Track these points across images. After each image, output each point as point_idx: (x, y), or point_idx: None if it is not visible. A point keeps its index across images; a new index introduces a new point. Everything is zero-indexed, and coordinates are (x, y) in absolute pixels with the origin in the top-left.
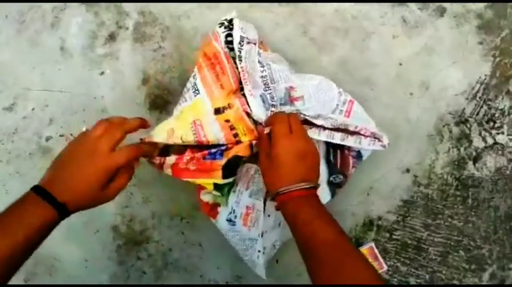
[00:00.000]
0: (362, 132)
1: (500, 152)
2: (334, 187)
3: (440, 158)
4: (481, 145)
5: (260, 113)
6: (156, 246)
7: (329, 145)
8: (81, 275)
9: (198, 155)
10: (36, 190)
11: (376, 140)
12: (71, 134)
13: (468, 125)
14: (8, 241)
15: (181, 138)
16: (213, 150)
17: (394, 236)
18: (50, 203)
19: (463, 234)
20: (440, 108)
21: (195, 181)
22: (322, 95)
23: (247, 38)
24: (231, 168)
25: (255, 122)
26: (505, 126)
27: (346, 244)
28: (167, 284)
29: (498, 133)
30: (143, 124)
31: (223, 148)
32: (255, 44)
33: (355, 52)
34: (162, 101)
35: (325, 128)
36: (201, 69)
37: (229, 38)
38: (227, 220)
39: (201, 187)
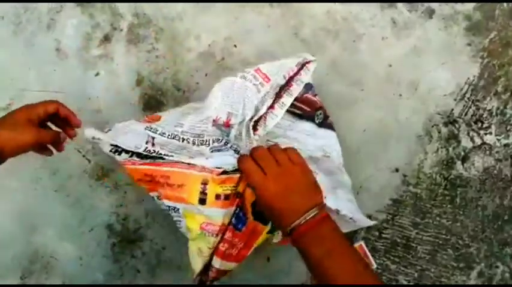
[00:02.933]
0: (292, 75)
1: (488, 152)
2: (327, 127)
3: (429, 158)
4: (469, 145)
5: (228, 164)
6: (150, 244)
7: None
8: (76, 273)
9: (228, 236)
10: None
11: (305, 65)
12: None
13: (457, 126)
14: None
15: (208, 248)
16: (233, 221)
17: (384, 235)
18: None
19: (452, 233)
20: (429, 109)
21: (255, 246)
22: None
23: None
24: (260, 213)
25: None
26: (493, 127)
27: (367, 277)
28: (166, 284)
29: (486, 133)
30: (73, 120)
31: (238, 213)
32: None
33: (346, 53)
34: (156, 102)
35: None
36: (157, 194)
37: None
38: None
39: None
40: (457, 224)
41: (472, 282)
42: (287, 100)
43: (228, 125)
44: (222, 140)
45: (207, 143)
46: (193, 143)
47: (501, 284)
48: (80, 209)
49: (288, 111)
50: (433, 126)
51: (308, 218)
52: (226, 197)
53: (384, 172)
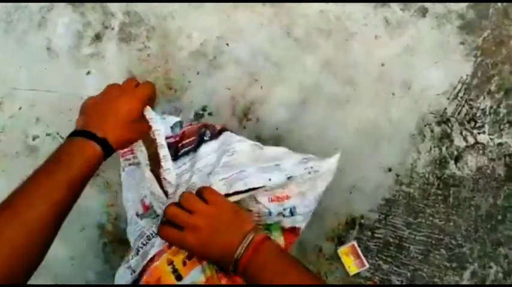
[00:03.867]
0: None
1: (481, 151)
2: (219, 134)
3: (422, 158)
4: (463, 144)
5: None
6: None
7: None
8: (68, 273)
9: (225, 281)
10: (73, 134)
11: None
12: (58, 133)
13: (450, 125)
14: (65, 181)
15: None
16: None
17: (376, 235)
18: (92, 140)
19: (444, 233)
20: (422, 108)
21: None
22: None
23: None
24: None
25: None
26: (486, 126)
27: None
28: (163, 284)
29: (479, 133)
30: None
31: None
32: None
33: (338, 52)
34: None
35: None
36: None
37: None
38: None
39: None
40: (450, 223)
41: (465, 282)
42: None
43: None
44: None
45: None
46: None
47: (495, 284)
48: None
49: (181, 155)
50: (426, 126)
51: (245, 246)
52: (190, 257)
53: (376, 172)
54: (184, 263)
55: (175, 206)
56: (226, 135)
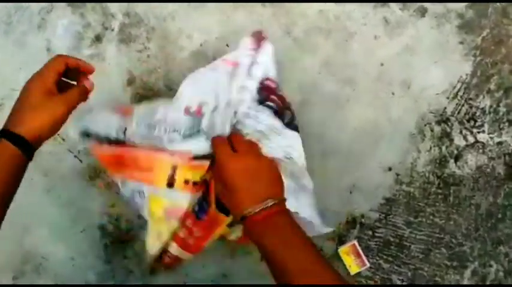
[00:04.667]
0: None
1: (481, 150)
2: (293, 128)
3: (422, 157)
4: (462, 143)
5: (200, 148)
6: (143, 245)
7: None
8: (68, 274)
9: (189, 223)
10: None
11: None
12: (58, 135)
13: (449, 124)
14: None
15: (168, 232)
16: (196, 209)
17: (377, 234)
18: (7, 139)
19: (445, 231)
20: (422, 108)
21: (213, 237)
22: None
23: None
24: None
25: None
26: (486, 125)
27: (324, 274)
28: (162, 284)
29: (479, 132)
30: (85, 67)
31: (201, 201)
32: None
33: (338, 52)
34: (148, 102)
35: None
36: (123, 177)
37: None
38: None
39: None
40: (451, 222)
41: (465, 281)
42: (250, 83)
43: (199, 113)
44: (194, 127)
45: (179, 131)
46: (165, 131)
47: (495, 284)
48: (71, 209)
49: (265, 104)
50: (425, 125)
51: (263, 207)
52: (195, 183)
53: (376, 171)
54: (186, 182)
55: (242, 137)
56: (295, 135)
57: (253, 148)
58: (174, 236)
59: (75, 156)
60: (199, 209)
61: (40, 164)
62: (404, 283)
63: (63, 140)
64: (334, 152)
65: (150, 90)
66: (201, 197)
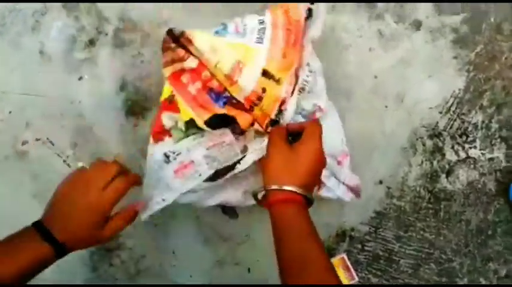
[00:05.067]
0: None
1: (472, 166)
2: None
3: (413, 171)
4: (454, 158)
5: (289, 113)
6: (129, 253)
7: None
8: (54, 281)
9: (210, 84)
10: (37, 225)
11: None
12: (47, 138)
13: (441, 139)
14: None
15: (217, 63)
16: (223, 94)
17: (366, 248)
18: (48, 241)
19: (435, 247)
20: (415, 122)
21: (179, 102)
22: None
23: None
24: (219, 123)
25: (274, 120)
26: (478, 141)
27: (334, 277)
28: (165, 284)
29: (471, 147)
30: (137, 180)
31: (233, 100)
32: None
33: (333, 64)
34: (140, 108)
35: None
36: (276, 26)
37: None
38: (165, 153)
39: (167, 108)
40: (441, 238)
41: None
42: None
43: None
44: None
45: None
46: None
47: (494, 284)
48: None
49: None
50: (418, 139)
51: (293, 190)
52: (259, 98)
53: (368, 184)
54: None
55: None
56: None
57: (316, 132)
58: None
59: (64, 161)
60: (216, 93)
61: (29, 168)
62: (406, 284)
63: (52, 144)
64: None
65: (142, 96)
66: (231, 98)
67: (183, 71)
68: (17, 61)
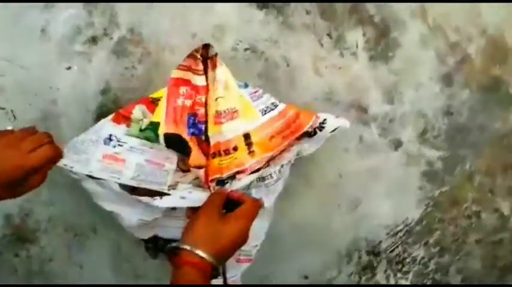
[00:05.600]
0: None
1: None
2: None
3: (340, 278)
4: (383, 282)
5: (239, 185)
6: (39, 251)
7: None
8: None
9: (197, 109)
10: None
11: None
12: (12, 111)
13: (378, 259)
14: None
15: (219, 97)
16: (199, 126)
17: None
18: None
19: None
20: (359, 232)
21: (160, 104)
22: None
23: None
24: (175, 145)
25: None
26: (411, 274)
27: None
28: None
29: (402, 278)
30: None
31: (202, 136)
32: None
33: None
34: None
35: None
36: (282, 115)
37: None
38: (111, 134)
39: (147, 104)
40: None
41: None
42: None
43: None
44: None
45: None
46: None
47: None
48: None
49: None
50: (356, 250)
51: (205, 258)
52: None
53: (293, 275)
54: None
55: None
56: None
57: (253, 211)
58: None
59: None
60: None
61: None
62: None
63: (15, 117)
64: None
65: (119, 107)
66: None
67: (187, 82)
68: (17, 31)
